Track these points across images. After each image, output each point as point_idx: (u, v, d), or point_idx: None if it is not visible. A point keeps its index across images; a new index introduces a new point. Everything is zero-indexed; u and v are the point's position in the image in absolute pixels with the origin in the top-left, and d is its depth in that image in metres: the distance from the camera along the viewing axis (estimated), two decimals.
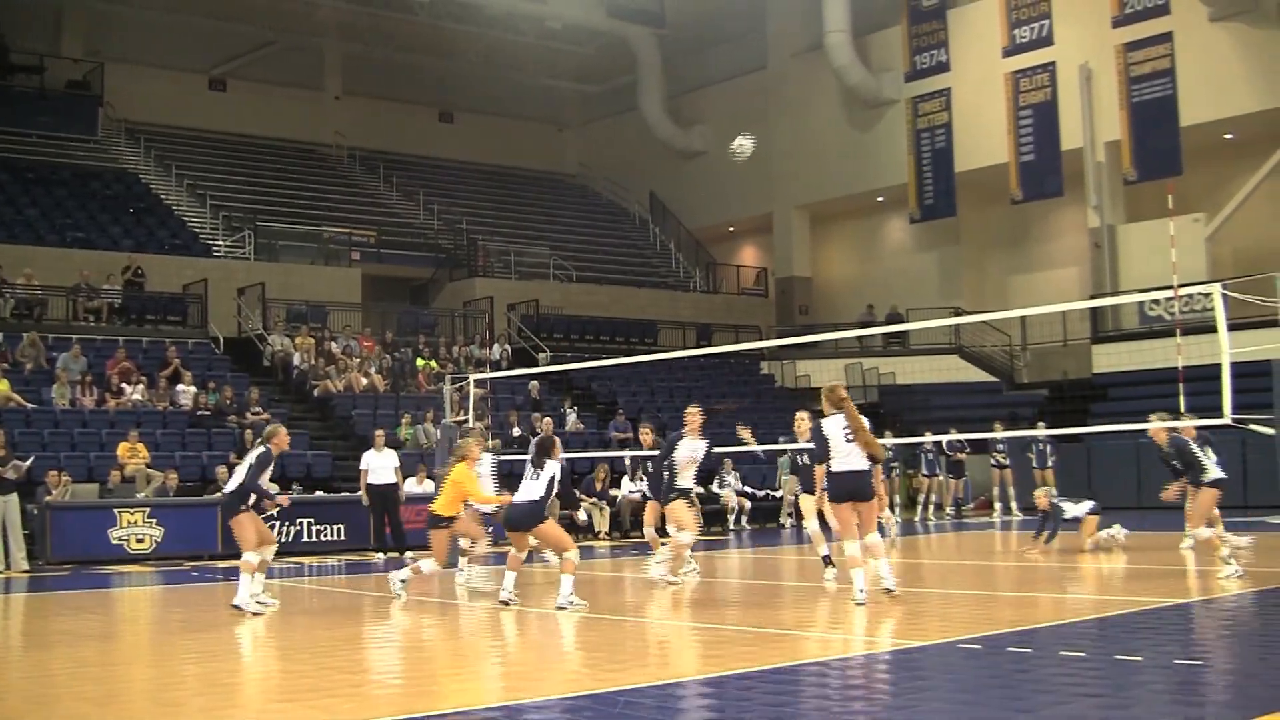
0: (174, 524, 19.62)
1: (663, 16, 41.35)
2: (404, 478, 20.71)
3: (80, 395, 23.53)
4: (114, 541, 19.20)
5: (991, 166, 34.72)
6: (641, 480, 16.46)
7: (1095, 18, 32.70)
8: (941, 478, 27.66)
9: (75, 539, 19.11)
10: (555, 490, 12.12)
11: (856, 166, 38.22)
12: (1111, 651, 8.99)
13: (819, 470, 11.53)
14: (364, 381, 27.27)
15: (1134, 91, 31.93)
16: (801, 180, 39.80)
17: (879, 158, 37.64)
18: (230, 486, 12.60)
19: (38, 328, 25.46)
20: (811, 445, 14.55)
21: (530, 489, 12.04)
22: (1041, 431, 25.07)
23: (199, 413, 24.15)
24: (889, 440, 25.00)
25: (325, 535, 20.79)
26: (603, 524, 23.22)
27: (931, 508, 27.37)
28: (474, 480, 12.77)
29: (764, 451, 15.56)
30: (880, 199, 39.26)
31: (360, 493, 20.16)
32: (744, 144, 12.95)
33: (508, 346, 31.44)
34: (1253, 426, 13.98)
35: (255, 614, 11.86)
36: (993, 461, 27.29)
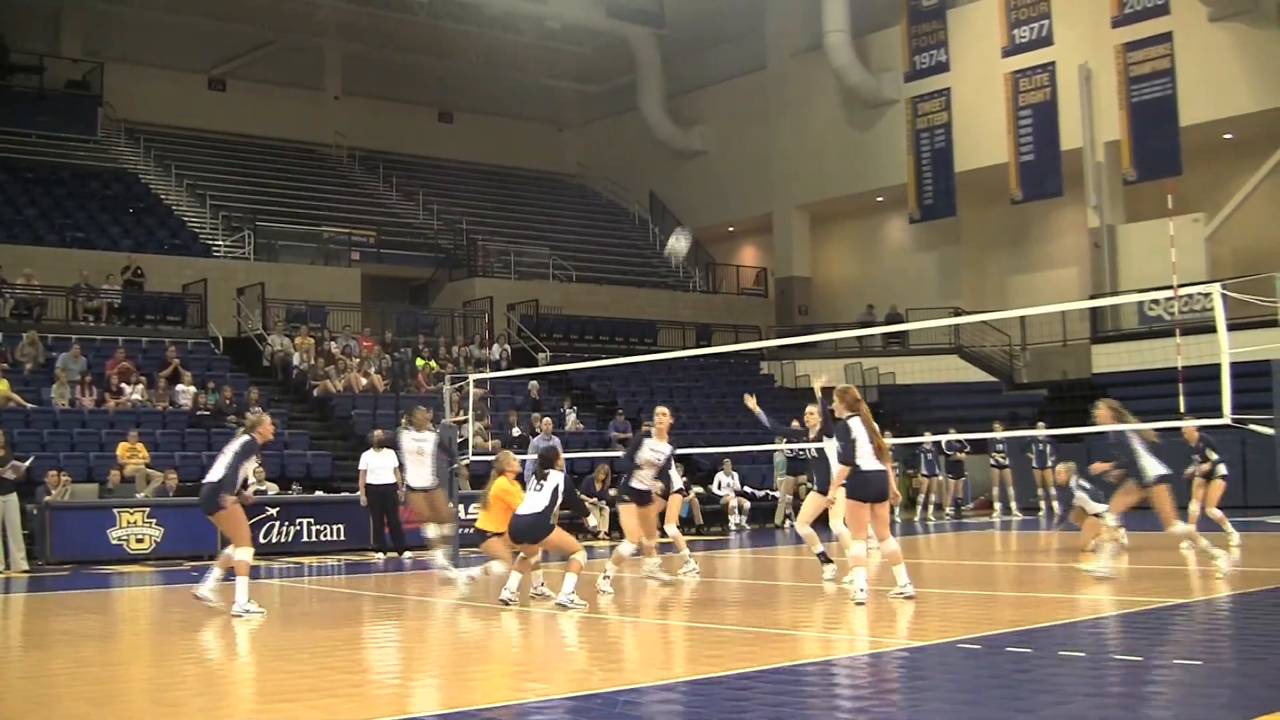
0: (174, 524, 19.60)
1: (662, 16, 41.35)
2: (403, 479, 20.66)
3: (80, 395, 23.52)
4: (113, 541, 19.20)
5: (991, 166, 34.72)
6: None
7: (1095, 18, 32.71)
8: (941, 478, 27.67)
9: (75, 539, 19.10)
10: (560, 500, 12.06)
11: (856, 166, 38.23)
12: (1111, 651, 8.99)
13: (842, 470, 11.54)
14: (363, 381, 27.27)
15: (1133, 91, 31.93)
16: (801, 180, 39.82)
17: (879, 158, 37.65)
18: (213, 476, 12.00)
19: (37, 328, 25.45)
20: (805, 442, 14.58)
21: (534, 500, 12.00)
22: (1042, 431, 25.07)
23: (198, 413, 24.16)
24: (888, 440, 25.04)
25: (325, 535, 20.79)
26: (603, 524, 23.22)
27: (931, 508, 27.38)
28: (516, 492, 12.58)
29: (770, 421, 15.39)
30: (880, 199, 39.27)
31: (359, 493, 20.13)
32: (678, 244, 12.78)
33: (507, 346, 31.44)
34: (1252, 426, 13.97)
35: (252, 614, 11.62)
36: (992, 461, 27.30)
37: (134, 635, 11.43)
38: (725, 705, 7.20)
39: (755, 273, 42.46)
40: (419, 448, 16.12)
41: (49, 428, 22.37)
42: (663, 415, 13.79)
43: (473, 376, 20.89)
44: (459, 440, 18.88)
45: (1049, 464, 26.02)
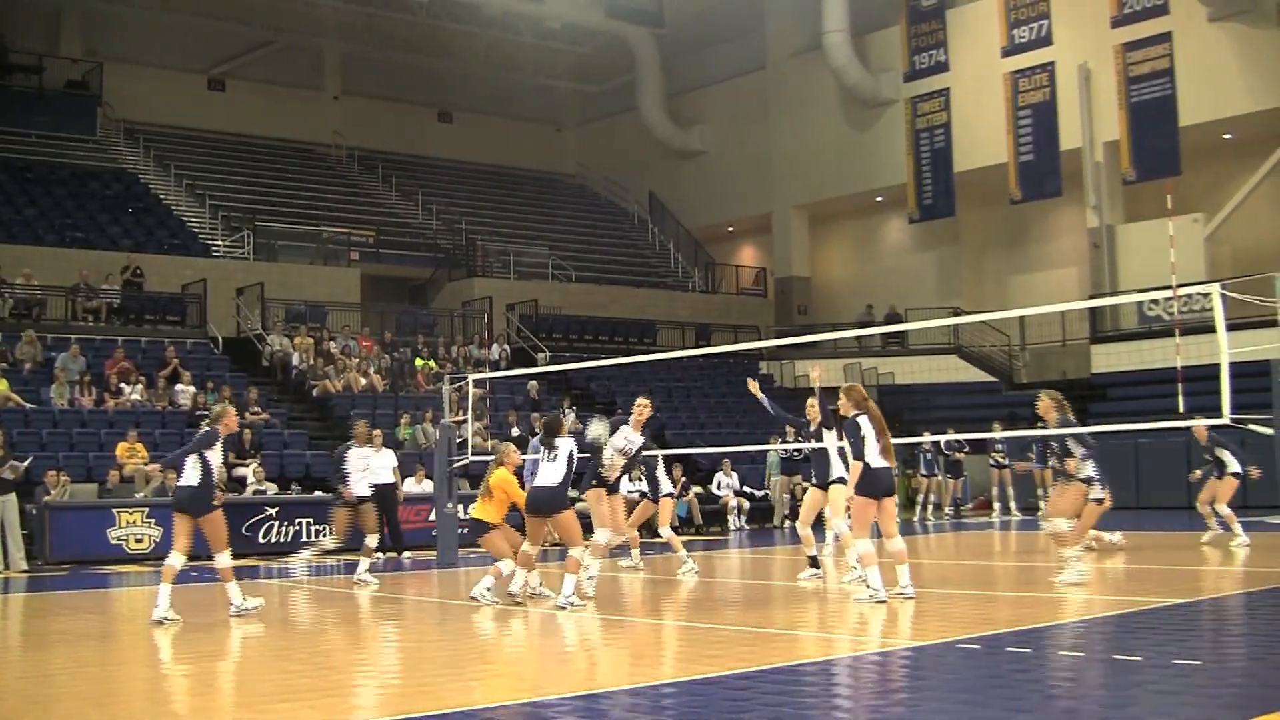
0: (172, 524, 19.54)
1: (661, 16, 41.34)
2: (403, 478, 20.67)
3: (79, 395, 23.51)
4: (113, 541, 19.20)
5: (990, 166, 34.72)
6: (640, 480, 16.37)
7: (1094, 18, 32.71)
8: (940, 478, 27.67)
9: (74, 539, 19.10)
10: (574, 467, 11.81)
11: (855, 166, 38.23)
12: (1110, 651, 8.99)
13: (856, 465, 11.56)
14: (363, 381, 27.26)
15: (1133, 91, 31.94)
16: (800, 180, 39.82)
17: (878, 158, 37.65)
18: (191, 479, 11.49)
19: (36, 328, 25.44)
20: (806, 432, 14.55)
21: (550, 471, 11.76)
22: (1042, 432, 25.02)
23: (198, 413, 24.10)
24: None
25: (324, 535, 20.71)
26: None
27: (930, 508, 27.38)
28: (515, 486, 12.45)
29: (772, 406, 15.32)
30: (879, 199, 39.28)
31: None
32: (598, 431, 12.74)
33: (506, 346, 31.44)
34: (1251, 426, 13.99)
35: (250, 611, 11.54)
36: (991, 461, 27.30)
37: (133, 635, 11.42)
38: (724, 705, 7.19)
39: (754, 273, 42.46)
40: (365, 464, 16.08)
41: (48, 428, 22.35)
42: (643, 407, 13.70)
43: (472, 376, 20.89)
44: (458, 440, 18.88)
45: (1049, 464, 26.02)
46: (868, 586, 11.46)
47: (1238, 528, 16.83)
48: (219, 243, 32.70)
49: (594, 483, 13.15)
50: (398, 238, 37.00)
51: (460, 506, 19.40)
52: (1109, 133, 32.61)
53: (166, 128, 37.72)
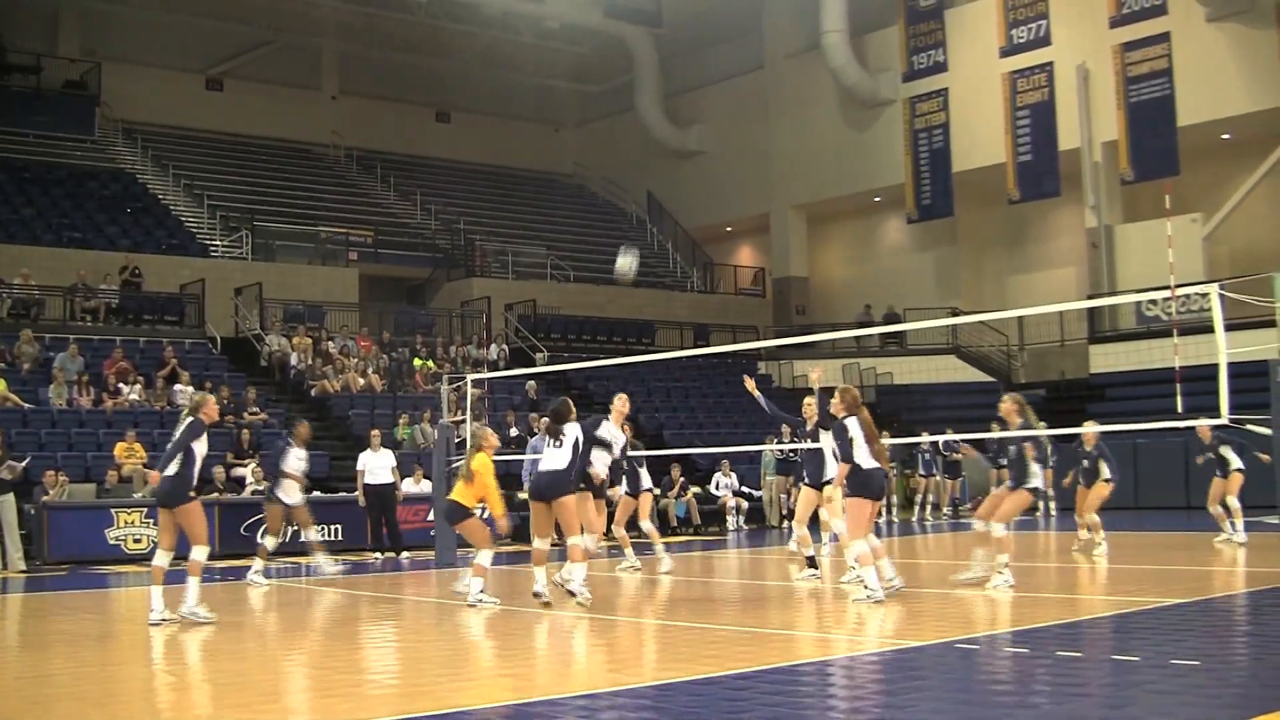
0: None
1: (660, 16, 41.33)
2: (401, 478, 20.68)
3: (77, 395, 23.50)
4: (111, 541, 19.19)
5: (989, 167, 34.72)
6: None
7: (1093, 18, 32.71)
8: (938, 478, 27.67)
9: (72, 539, 19.09)
10: (580, 453, 11.69)
11: (854, 166, 38.23)
12: (1108, 652, 8.99)
13: (843, 467, 11.57)
14: (361, 381, 27.26)
15: (1131, 92, 31.94)
16: (799, 180, 39.82)
17: (876, 158, 37.65)
18: (169, 470, 11.22)
19: (34, 328, 25.43)
20: (803, 430, 14.55)
21: (555, 457, 11.65)
22: (1042, 431, 25.02)
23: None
24: (885, 440, 25.06)
25: (322, 536, 20.70)
26: (600, 522, 23.18)
27: (929, 508, 27.38)
28: (492, 472, 12.25)
29: (769, 405, 15.31)
30: (878, 199, 39.28)
31: (357, 493, 20.13)
32: (627, 264, 12.67)
33: (505, 346, 31.44)
34: (1250, 427, 13.99)
35: (205, 621, 11.11)
36: (983, 463, 27.25)
37: (132, 635, 11.41)
38: (723, 705, 7.20)
39: (753, 273, 42.46)
40: (301, 466, 16.13)
41: (46, 428, 22.34)
42: (622, 402, 13.71)
43: (470, 377, 20.86)
44: (456, 440, 18.88)
45: (1049, 464, 26.02)
46: (865, 587, 11.48)
47: (1240, 524, 16.85)
48: (217, 243, 32.69)
49: (581, 485, 12.99)
50: (396, 238, 37.00)
51: None
52: (1107, 133, 32.62)
53: (164, 128, 37.70)
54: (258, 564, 15.61)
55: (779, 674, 8.17)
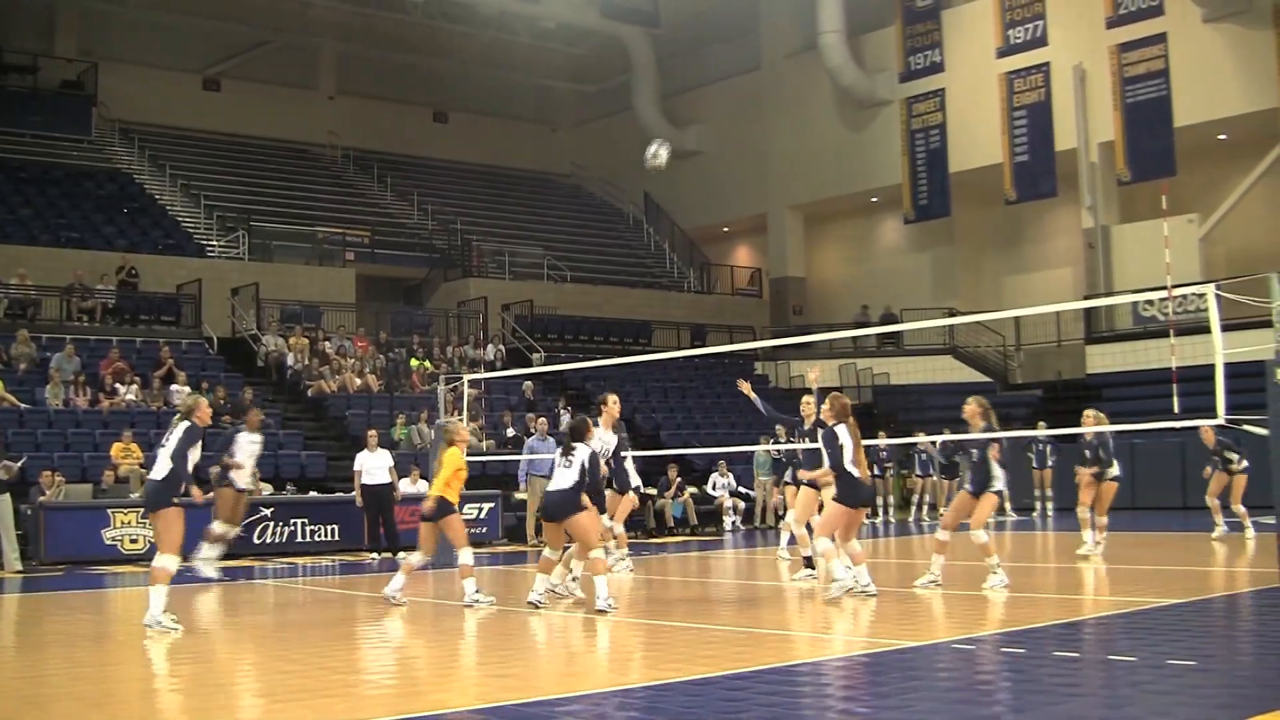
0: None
1: (657, 16, 41.33)
2: (398, 478, 20.66)
3: (74, 395, 23.48)
4: (107, 542, 19.15)
5: (986, 167, 34.74)
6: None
7: (1089, 19, 32.74)
8: (935, 478, 27.66)
9: (69, 539, 19.05)
10: (589, 476, 11.67)
11: (851, 167, 38.24)
12: (1105, 652, 9.00)
13: (827, 471, 11.66)
14: (358, 382, 27.25)
15: (1128, 92, 31.97)
16: (796, 180, 39.83)
17: (873, 158, 37.67)
18: (158, 474, 11.07)
19: (31, 328, 25.42)
20: (800, 430, 14.55)
21: (562, 476, 11.67)
22: (1041, 432, 25.08)
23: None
24: (882, 441, 25.11)
25: (319, 536, 20.74)
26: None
27: (926, 508, 27.38)
28: (461, 459, 12.20)
29: (765, 407, 15.26)
30: (874, 199, 39.29)
31: (354, 493, 20.12)
32: (658, 153, 12.50)
33: (502, 347, 31.44)
34: (1246, 427, 13.98)
35: (168, 631, 10.62)
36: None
37: (128, 636, 11.40)
38: (720, 705, 7.20)
39: (750, 273, 42.47)
40: (254, 450, 16.15)
41: (43, 428, 22.33)
42: (613, 403, 13.65)
43: (467, 377, 20.85)
44: None
45: (1049, 464, 26.14)
46: (833, 581, 11.60)
47: (1248, 523, 16.91)
48: (214, 243, 32.68)
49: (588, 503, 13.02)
50: (393, 238, 36.99)
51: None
52: (1104, 133, 32.64)
53: (161, 128, 37.68)
54: (205, 550, 15.58)
55: (776, 674, 8.17)
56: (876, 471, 26.70)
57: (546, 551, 12.08)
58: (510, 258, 37.28)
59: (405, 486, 21.11)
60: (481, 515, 22.05)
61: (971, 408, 12.99)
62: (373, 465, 19.86)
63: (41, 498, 19.25)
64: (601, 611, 11.20)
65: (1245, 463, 17.93)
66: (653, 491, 24.59)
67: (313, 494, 22.19)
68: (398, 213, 39.11)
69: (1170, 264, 20.98)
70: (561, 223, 42.43)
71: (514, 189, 43.54)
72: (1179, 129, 31.05)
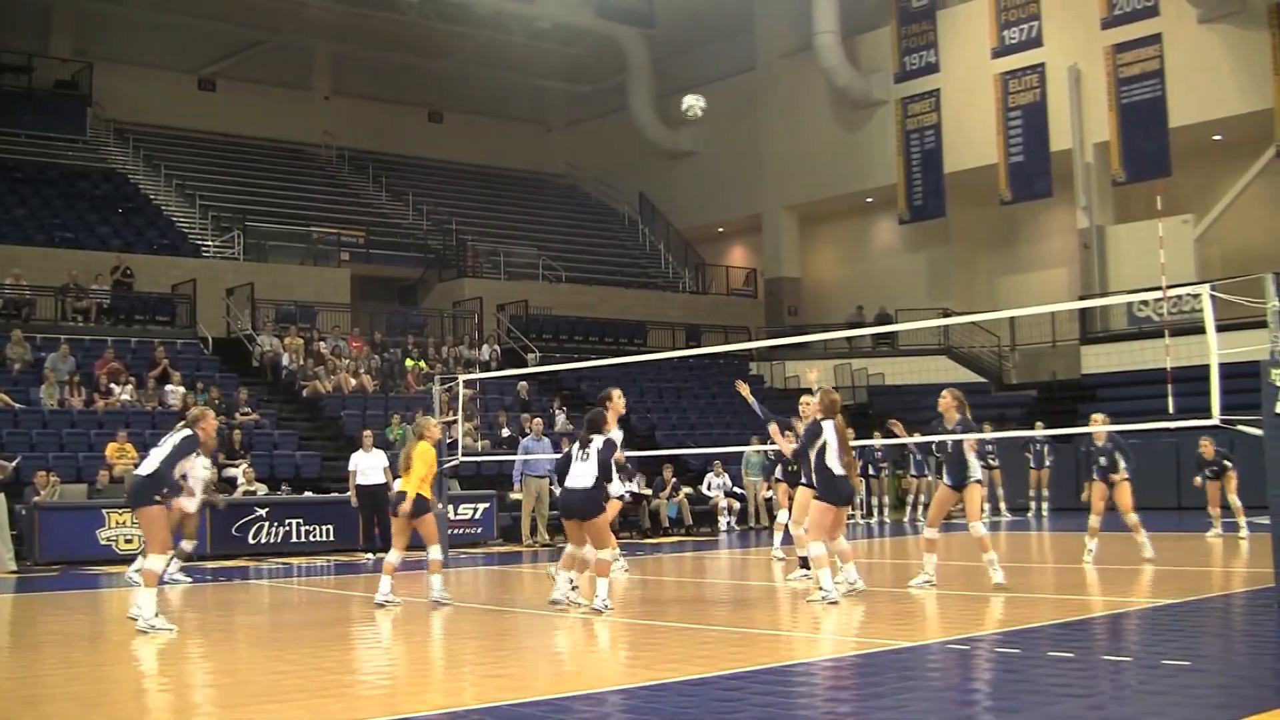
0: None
1: (652, 16, 41.35)
2: (393, 478, 20.62)
3: (68, 395, 23.45)
4: (102, 542, 19.13)
5: (981, 167, 34.78)
6: (628, 481, 16.28)
7: (1084, 19, 32.78)
8: (930, 478, 27.66)
9: (63, 539, 19.03)
10: (606, 466, 11.46)
11: (846, 167, 38.27)
12: (1100, 652, 9.01)
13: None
14: (353, 382, 27.22)
15: (1123, 93, 32.01)
16: (791, 181, 39.86)
17: (868, 158, 37.69)
18: (145, 469, 11.08)
19: (25, 328, 25.39)
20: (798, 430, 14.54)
21: (582, 473, 11.39)
22: (1039, 432, 25.10)
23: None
24: (877, 441, 25.11)
25: (314, 536, 20.73)
26: None
27: (920, 508, 27.37)
28: (431, 455, 12.16)
29: (761, 409, 15.19)
30: (869, 200, 39.32)
31: (349, 494, 20.12)
32: (694, 106, 12.38)
33: (497, 347, 31.43)
34: (1241, 428, 13.99)
35: (156, 631, 10.55)
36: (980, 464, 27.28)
37: (123, 636, 11.38)
38: (715, 706, 7.20)
39: (745, 273, 42.48)
40: (205, 476, 16.06)
41: (38, 428, 22.30)
42: (618, 398, 13.54)
43: (462, 377, 20.83)
44: (449, 441, 18.87)
45: (1046, 464, 26.17)
46: (819, 588, 11.51)
47: (1242, 521, 16.94)
48: (209, 243, 32.65)
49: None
50: (388, 238, 36.98)
51: (451, 507, 19.36)
52: (1099, 134, 32.69)
53: (156, 128, 37.65)
54: (173, 566, 15.46)
55: (771, 674, 8.18)
56: (871, 471, 26.74)
57: (569, 549, 11.92)
58: (505, 258, 37.28)
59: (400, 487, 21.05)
60: (476, 515, 22.05)
61: (946, 400, 13.07)
62: (367, 465, 19.85)
63: (36, 498, 19.23)
64: (597, 612, 11.19)
65: (1229, 464, 18.16)
66: (648, 492, 24.59)
67: (308, 494, 22.17)
68: (393, 213, 39.09)
69: (1165, 264, 21.07)
70: (556, 223, 42.43)
71: (509, 189, 43.52)
72: (1174, 129, 31.09)
